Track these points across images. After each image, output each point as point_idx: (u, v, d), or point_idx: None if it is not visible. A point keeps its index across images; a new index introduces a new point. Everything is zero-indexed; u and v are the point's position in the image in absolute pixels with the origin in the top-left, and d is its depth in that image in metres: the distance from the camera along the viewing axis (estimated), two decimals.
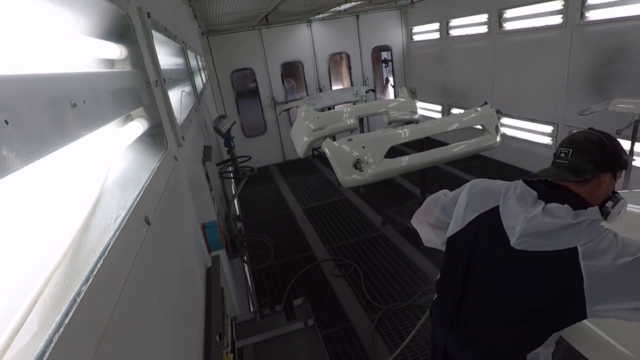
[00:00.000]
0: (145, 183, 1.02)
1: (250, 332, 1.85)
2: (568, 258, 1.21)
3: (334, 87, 8.92)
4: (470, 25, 6.80)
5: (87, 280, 0.59)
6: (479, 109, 4.83)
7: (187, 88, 3.07)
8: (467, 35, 6.94)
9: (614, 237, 1.21)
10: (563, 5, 4.95)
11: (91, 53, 0.97)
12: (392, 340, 3.20)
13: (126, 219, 0.81)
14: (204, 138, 3.65)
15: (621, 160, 1.34)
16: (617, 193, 1.39)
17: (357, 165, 4.10)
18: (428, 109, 8.65)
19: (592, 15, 4.69)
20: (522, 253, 1.31)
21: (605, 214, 1.33)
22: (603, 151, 1.30)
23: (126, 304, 0.71)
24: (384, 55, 9.41)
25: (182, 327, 1.14)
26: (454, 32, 7.30)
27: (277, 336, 1.83)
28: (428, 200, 1.79)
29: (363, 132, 6.39)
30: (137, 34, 1.27)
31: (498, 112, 4.99)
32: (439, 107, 8.25)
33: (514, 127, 6.25)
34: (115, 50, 1.14)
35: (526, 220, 1.28)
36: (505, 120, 6.26)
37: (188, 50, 3.52)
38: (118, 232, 0.75)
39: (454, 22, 7.21)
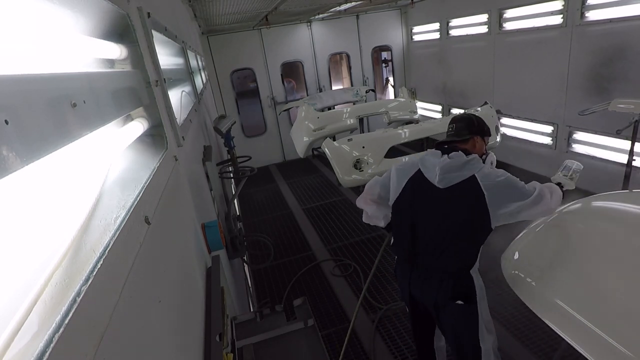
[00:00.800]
0: (145, 183, 1.02)
1: (250, 332, 1.85)
2: (472, 183, 1.87)
3: (334, 87, 8.92)
4: (470, 25, 6.80)
5: (87, 280, 0.59)
6: (479, 109, 4.83)
7: (187, 88, 3.07)
8: (467, 35, 6.94)
9: (490, 166, 2.04)
10: (563, 5, 4.95)
11: (91, 53, 0.97)
12: (392, 340, 3.20)
13: (126, 219, 0.81)
14: (204, 138, 3.65)
15: (485, 128, 2.16)
16: (489, 151, 2.26)
17: (357, 165, 4.10)
18: (428, 109, 8.65)
19: (592, 15, 4.69)
20: (443, 191, 1.92)
21: (483, 161, 2.08)
22: (473, 123, 2.12)
23: (126, 304, 0.71)
24: (384, 55, 9.40)
25: (182, 327, 1.14)
26: (454, 32, 7.29)
27: (277, 336, 1.83)
28: (369, 183, 2.33)
29: (363, 132, 6.39)
30: (137, 34, 1.27)
31: (498, 112, 5.00)
32: (439, 107, 8.25)
33: (514, 127, 6.24)
34: (115, 50, 1.14)
35: (440, 165, 1.94)
36: (505, 120, 6.26)
37: (188, 50, 3.52)
38: (118, 232, 0.75)
39: (454, 22, 7.21)
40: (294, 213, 6.08)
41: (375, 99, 8.85)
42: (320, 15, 7.52)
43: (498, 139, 4.67)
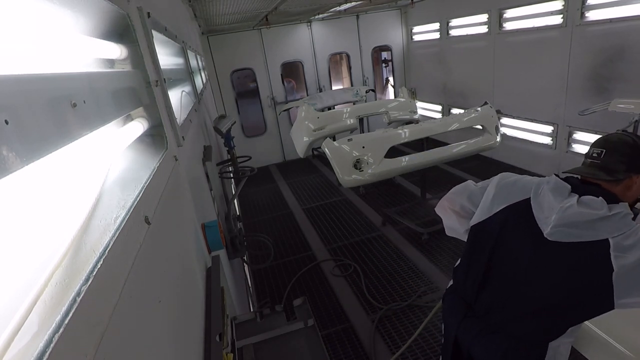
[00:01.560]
0: (145, 183, 1.02)
1: (250, 332, 1.85)
2: (599, 249, 1.23)
3: (334, 87, 8.92)
4: (470, 25, 6.80)
5: (87, 280, 0.59)
6: (479, 109, 4.83)
7: (187, 88, 3.07)
8: (467, 35, 6.94)
9: None
10: (563, 5, 4.95)
11: (91, 53, 0.97)
12: (392, 340, 3.20)
13: (126, 219, 0.81)
14: (204, 138, 3.65)
15: None
16: None
17: (357, 165, 4.10)
18: (428, 109, 8.65)
19: (592, 16, 4.69)
20: (551, 244, 1.33)
21: (635, 215, 1.31)
22: (637, 153, 1.32)
23: (126, 304, 0.71)
24: (384, 55, 9.41)
25: (182, 327, 1.14)
26: (454, 32, 7.29)
27: (277, 336, 1.83)
28: (455, 188, 1.79)
29: (363, 132, 6.39)
30: (137, 34, 1.27)
31: (498, 112, 4.99)
32: (439, 107, 8.25)
33: (514, 127, 6.25)
34: (115, 50, 1.14)
35: (562, 210, 1.30)
36: (505, 120, 6.26)
37: (188, 50, 3.52)
38: (118, 232, 0.75)
39: (454, 22, 7.21)
40: (294, 213, 6.08)
41: (375, 99, 8.84)
42: (320, 15, 7.52)
43: (498, 139, 4.67)
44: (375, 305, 3.64)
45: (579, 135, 5.20)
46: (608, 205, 1.26)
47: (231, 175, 4.04)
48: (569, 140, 5.32)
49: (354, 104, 7.44)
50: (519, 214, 1.44)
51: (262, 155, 8.38)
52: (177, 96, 2.38)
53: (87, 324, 0.56)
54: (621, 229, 1.23)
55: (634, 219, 1.29)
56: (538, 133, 5.84)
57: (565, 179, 1.40)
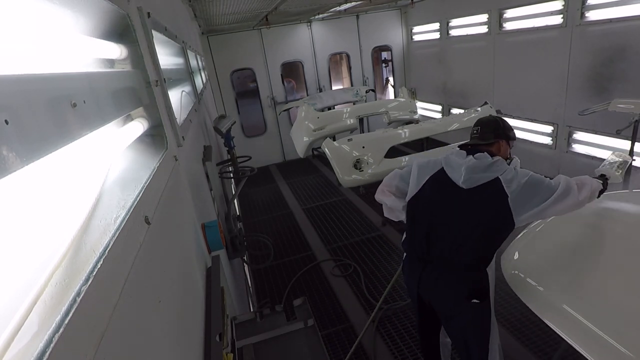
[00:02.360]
0: (145, 183, 1.02)
1: (250, 332, 1.85)
2: (495, 185, 1.87)
3: (334, 87, 8.92)
4: (470, 25, 6.80)
5: (87, 280, 0.59)
6: (479, 109, 4.84)
7: (187, 88, 3.07)
8: (467, 35, 6.94)
9: (514, 168, 1.92)
10: (563, 5, 4.95)
11: (91, 53, 0.97)
12: (392, 340, 3.20)
13: (126, 219, 0.81)
14: (204, 138, 3.65)
15: (510, 132, 2.20)
16: (513, 156, 2.22)
17: (357, 165, 4.10)
18: (428, 109, 8.65)
19: (592, 16, 4.69)
20: (466, 192, 1.92)
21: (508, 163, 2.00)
22: (499, 126, 2.15)
23: (126, 304, 0.71)
24: (384, 55, 9.40)
25: (182, 327, 1.14)
26: (454, 32, 7.29)
27: (277, 336, 1.83)
28: (388, 175, 2.32)
29: (363, 132, 6.40)
30: (137, 34, 1.27)
31: (498, 112, 5.00)
32: (439, 107, 8.25)
33: (514, 127, 6.22)
34: (115, 50, 1.14)
35: (466, 163, 1.94)
36: (505, 120, 6.26)
37: (188, 50, 3.52)
38: (118, 232, 0.75)
39: (454, 22, 7.21)
40: (294, 213, 6.08)
41: (375, 99, 8.85)
42: (320, 15, 7.52)
43: None
44: (375, 305, 3.64)
45: (578, 135, 5.20)
46: (491, 158, 1.93)
47: (231, 175, 4.04)
48: (569, 140, 5.31)
49: (354, 104, 7.45)
50: (439, 179, 2.02)
51: (262, 155, 8.38)
52: (177, 96, 2.38)
53: (87, 324, 0.56)
54: (503, 169, 1.89)
55: (509, 165, 1.97)
56: (538, 133, 5.83)
57: (460, 147, 2.08)
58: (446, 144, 4.59)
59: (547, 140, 5.69)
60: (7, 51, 0.56)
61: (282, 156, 9.02)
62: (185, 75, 3.21)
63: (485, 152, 1.97)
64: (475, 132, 2.16)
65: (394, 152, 4.21)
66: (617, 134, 3.60)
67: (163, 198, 1.16)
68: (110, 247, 0.70)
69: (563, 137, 5.36)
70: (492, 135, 2.10)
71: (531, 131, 5.94)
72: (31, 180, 0.57)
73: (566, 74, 5.10)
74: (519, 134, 6.25)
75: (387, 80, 9.86)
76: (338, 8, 6.37)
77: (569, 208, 1.86)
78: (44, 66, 0.69)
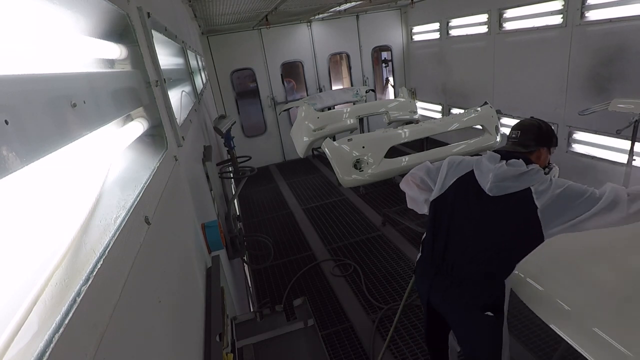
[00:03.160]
0: (145, 183, 1.02)
1: (250, 332, 1.85)
2: (525, 195, 1.70)
3: (334, 87, 8.91)
4: (470, 25, 6.80)
5: (87, 280, 0.59)
6: (479, 109, 4.84)
7: (187, 88, 3.07)
8: (467, 35, 6.94)
9: (551, 179, 1.73)
10: (563, 5, 4.95)
11: (91, 53, 0.97)
12: (392, 340, 3.19)
13: (126, 219, 0.81)
14: (204, 138, 3.65)
15: (553, 139, 1.97)
16: (552, 164, 2.06)
17: (357, 165, 4.10)
18: (428, 109, 8.65)
19: (592, 15, 4.69)
20: (492, 200, 1.77)
21: (546, 172, 1.81)
22: (541, 132, 1.92)
23: (126, 304, 0.71)
24: (384, 55, 9.40)
25: (182, 327, 1.14)
26: (454, 32, 7.29)
27: (277, 336, 1.83)
28: (417, 166, 2.22)
29: (363, 132, 6.39)
30: (137, 34, 1.27)
31: (498, 112, 5.00)
32: (439, 107, 8.25)
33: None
34: (115, 50, 1.14)
35: (496, 169, 1.78)
36: (505, 120, 6.26)
37: (188, 50, 3.52)
38: (118, 232, 0.75)
39: (454, 22, 7.21)
40: (294, 213, 6.08)
41: (375, 99, 8.85)
42: (320, 15, 7.52)
43: (498, 139, 4.68)
44: (375, 305, 3.64)
45: (579, 135, 5.20)
46: (525, 166, 1.75)
47: (231, 175, 4.04)
48: (569, 140, 5.31)
49: (354, 104, 7.44)
50: (467, 182, 1.88)
51: (262, 155, 8.38)
52: (177, 96, 2.38)
53: (87, 324, 0.56)
54: (537, 179, 1.71)
55: (546, 174, 1.78)
56: None
57: (495, 152, 1.89)
58: (446, 144, 4.59)
59: None
60: (7, 51, 0.56)
61: (282, 156, 9.02)
62: (185, 75, 3.21)
63: (520, 159, 1.78)
64: (514, 136, 1.95)
65: (394, 152, 4.21)
66: (617, 134, 3.60)
67: (163, 198, 1.16)
68: (110, 247, 0.70)
69: (563, 137, 5.36)
70: (533, 142, 1.89)
71: None
72: (31, 181, 0.57)
73: (566, 74, 5.10)
74: None
75: (387, 80, 9.86)
76: (338, 8, 6.37)
77: (613, 223, 1.60)
78: (44, 66, 0.69)
